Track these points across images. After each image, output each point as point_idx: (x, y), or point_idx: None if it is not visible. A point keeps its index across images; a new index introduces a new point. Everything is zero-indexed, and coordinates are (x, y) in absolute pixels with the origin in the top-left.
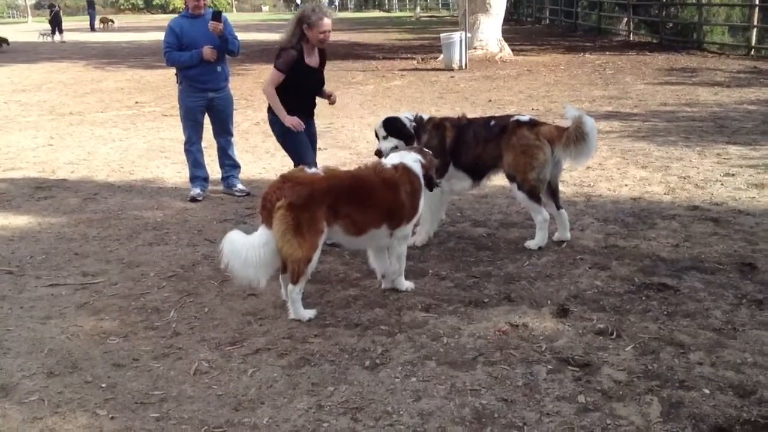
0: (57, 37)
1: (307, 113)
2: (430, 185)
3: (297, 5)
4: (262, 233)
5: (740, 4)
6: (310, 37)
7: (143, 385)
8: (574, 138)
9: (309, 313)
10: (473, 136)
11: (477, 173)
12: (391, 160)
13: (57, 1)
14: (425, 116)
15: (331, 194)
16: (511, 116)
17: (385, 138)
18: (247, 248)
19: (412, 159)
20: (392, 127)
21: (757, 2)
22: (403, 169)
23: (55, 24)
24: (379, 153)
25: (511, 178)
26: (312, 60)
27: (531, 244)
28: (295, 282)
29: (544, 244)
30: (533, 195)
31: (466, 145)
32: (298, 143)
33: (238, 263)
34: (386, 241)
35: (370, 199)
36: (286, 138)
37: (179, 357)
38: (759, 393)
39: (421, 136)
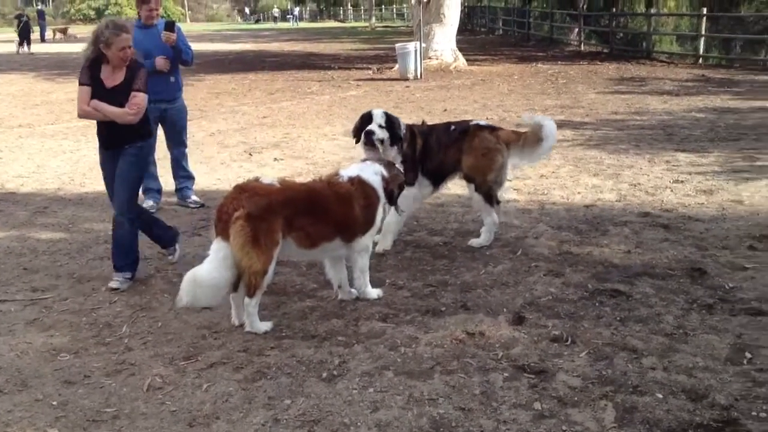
0: (24, 48)
1: (108, 142)
2: (392, 200)
3: (246, 15)
4: (218, 248)
5: (688, 13)
6: (110, 56)
7: (95, 403)
8: (532, 141)
9: (265, 326)
10: (436, 141)
11: (439, 179)
12: (348, 172)
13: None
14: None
15: (287, 206)
16: (470, 121)
17: (381, 127)
18: (211, 272)
19: (372, 171)
20: (390, 122)
21: (704, 12)
22: (358, 182)
23: (24, 35)
24: (370, 133)
25: (469, 179)
26: (111, 80)
27: (475, 242)
28: (251, 295)
29: (488, 243)
30: (489, 197)
31: (431, 152)
32: (104, 179)
33: (210, 292)
34: (341, 252)
35: (324, 212)
36: None
37: (132, 373)
38: (711, 397)
39: (402, 145)
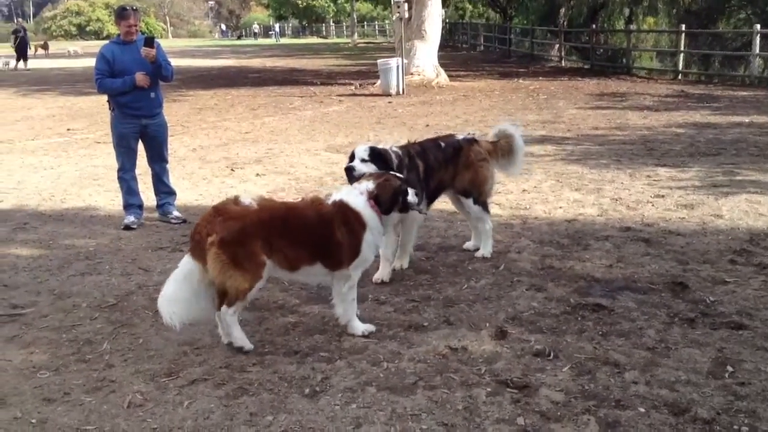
0: (21, 64)
1: None
2: (386, 209)
3: (223, 31)
4: (185, 262)
5: (667, 30)
6: None
7: (75, 420)
8: (506, 151)
9: (245, 341)
10: (435, 161)
11: (435, 197)
12: (334, 195)
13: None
14: (400, 151)
15: (263, 227)
16: (454, 135)
17: (363, 161)
18: (175, 289)
19: (356, 193)
20: (376, 155)
21: (683, 28)
22: (340, 206)
23: (21, 51)
24: (350, 170)
25: (467, 193)
26: None
27: (485, 252)
28: (230, 304)
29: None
30: (486, 206)
31: (432, 172)
32: None
33: (185, 306)
34: (326, 279)
35: (302, 234)
36: None
37: (112, 390)
38: (693, 411)
39: (402, 172)
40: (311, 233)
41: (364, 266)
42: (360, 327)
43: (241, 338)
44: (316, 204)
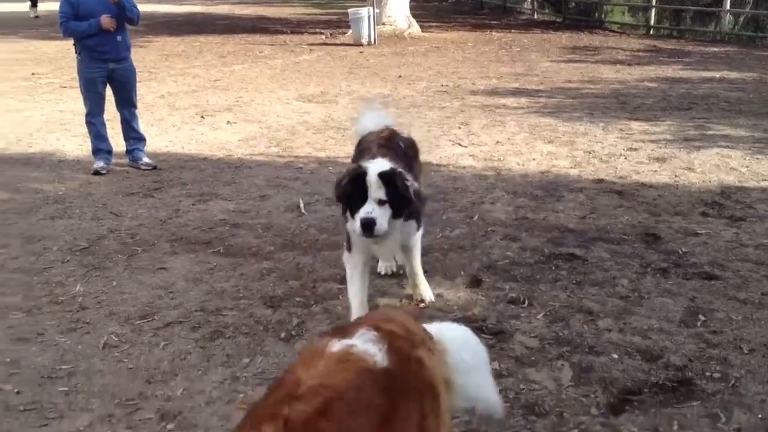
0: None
1: None
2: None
3: None
4: None
5: None
6: None
7: (49, 360)
8: None
9: None
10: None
11: None
12: None
13: None
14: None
15: None
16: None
17: (381, 203)
18: None
19: None
20: (393, 184)
21: None
22: None
23: None
24: (369, 225)
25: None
26: None
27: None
28: None
29: None
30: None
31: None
32: None
33: None
34: None
35: None
36: None
37: (87, 331)
38: (665, 357)
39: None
40: None
41: None
42: None
43: None
44: None
